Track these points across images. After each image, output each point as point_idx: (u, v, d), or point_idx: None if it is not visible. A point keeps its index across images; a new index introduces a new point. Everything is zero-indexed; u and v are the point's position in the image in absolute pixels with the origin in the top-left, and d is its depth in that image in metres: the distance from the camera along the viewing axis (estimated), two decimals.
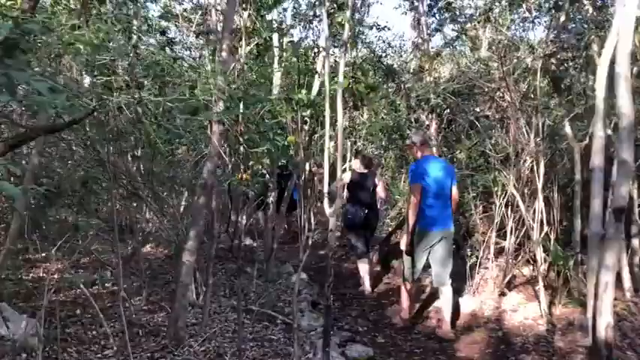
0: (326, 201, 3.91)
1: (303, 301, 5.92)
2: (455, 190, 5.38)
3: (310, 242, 6.10)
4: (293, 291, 4.28)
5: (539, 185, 5.45)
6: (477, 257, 6.58)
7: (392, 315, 6.04)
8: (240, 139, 3.34)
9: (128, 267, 6.32)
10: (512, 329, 5.21)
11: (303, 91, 4.24)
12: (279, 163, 7.01)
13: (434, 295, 6.24)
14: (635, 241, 6.15)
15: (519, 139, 5.73)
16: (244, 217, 6.96)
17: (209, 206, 4.81)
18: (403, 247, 5.36)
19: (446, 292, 5.24)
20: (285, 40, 6.82)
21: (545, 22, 7.21)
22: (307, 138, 6.80)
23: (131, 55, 3.57)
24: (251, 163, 4.47)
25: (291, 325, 5.17)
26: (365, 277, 6.84)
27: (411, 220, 5.15)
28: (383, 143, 9.19)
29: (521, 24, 7.40)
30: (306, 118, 5.77)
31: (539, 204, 5.49)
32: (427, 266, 5.42)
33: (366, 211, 6.81)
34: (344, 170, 7.21)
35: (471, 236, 7.26)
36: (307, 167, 8.24)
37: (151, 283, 6.08)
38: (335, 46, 6.20)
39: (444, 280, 5.24)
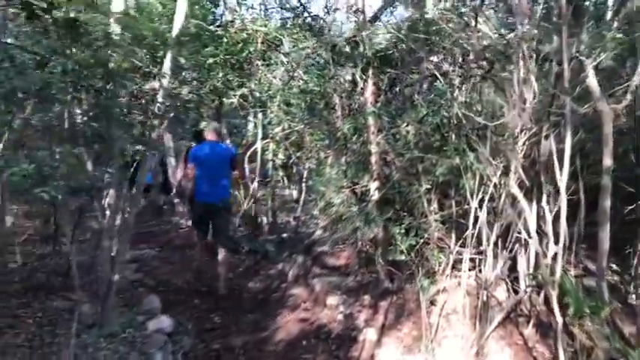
0: None
1: None
2: (236, 171, 6.10)
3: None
4: None
5: (563, 176, 3.12)
6: (430, 282, 4.30)
7: None
8: None
9: None
10: None
11: None
12: None
13: None
14: None
15: (514, 102, 3.37)
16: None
17: None
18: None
19: (221, 254, 5.92)
20: None
21: None
22: None
23: None
24: None
25: None
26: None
27: (188, 192, 6.14)
28: (303, 115, 6.74)
29: None
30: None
31: (562, 207, 3.18)
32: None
33: None
34: None
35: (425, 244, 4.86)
36: None
37: None
38: None
39: (221, 244, 5.95)
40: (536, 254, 3.91)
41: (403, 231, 4.19)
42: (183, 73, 7.41)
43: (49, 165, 3.27)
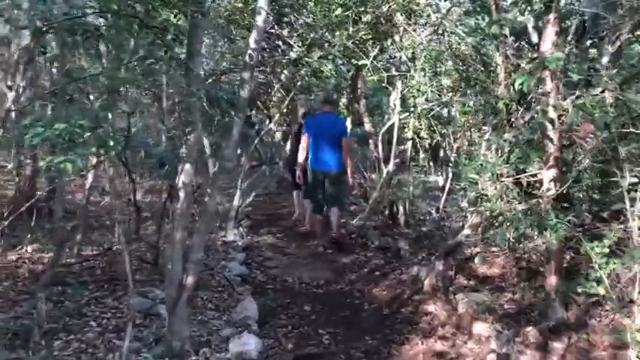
0: None
1: None
2: (344, 141, 6.07)
3: None
4: None
5: None
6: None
7: None
8: None
9: None
10: None
11: None
12: None
13: None
14: None
15: None
16: None
17: None
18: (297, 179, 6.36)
19: (334, 211, 6.05)
20: None
21: None
22: None
23: None
24: None
25: None
26: None
27: (300, 159, 6.22)
28: (449, 82, 5.30)
29: None
30: None
31: None
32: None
33: None
34: None
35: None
36: None
37: None
38: None
39: (333, 206, 6.07)
40: None
41: (607, 250, 2.65)
42: (312, 34, 6.34)
43: (83, 126, 2.32)
